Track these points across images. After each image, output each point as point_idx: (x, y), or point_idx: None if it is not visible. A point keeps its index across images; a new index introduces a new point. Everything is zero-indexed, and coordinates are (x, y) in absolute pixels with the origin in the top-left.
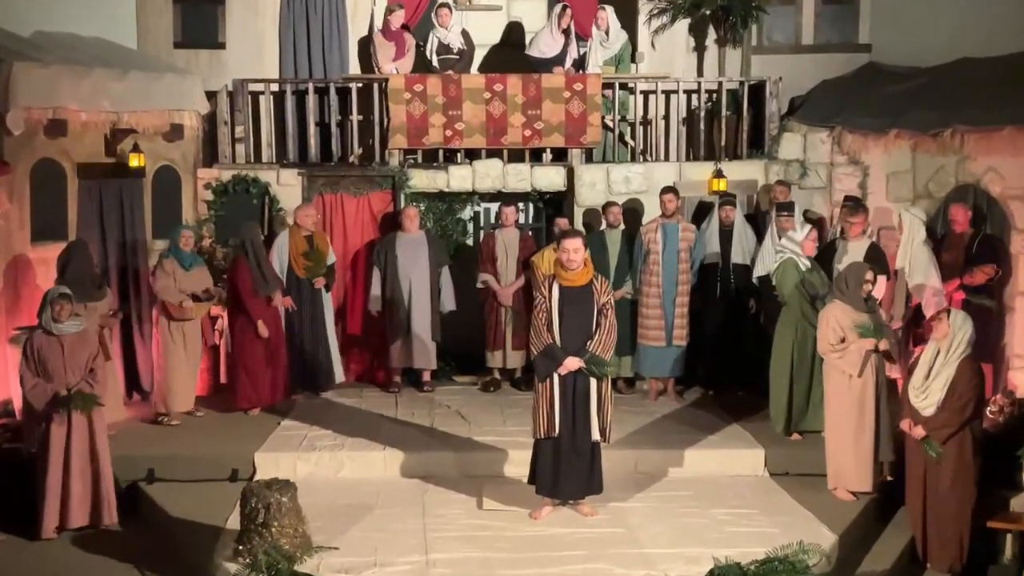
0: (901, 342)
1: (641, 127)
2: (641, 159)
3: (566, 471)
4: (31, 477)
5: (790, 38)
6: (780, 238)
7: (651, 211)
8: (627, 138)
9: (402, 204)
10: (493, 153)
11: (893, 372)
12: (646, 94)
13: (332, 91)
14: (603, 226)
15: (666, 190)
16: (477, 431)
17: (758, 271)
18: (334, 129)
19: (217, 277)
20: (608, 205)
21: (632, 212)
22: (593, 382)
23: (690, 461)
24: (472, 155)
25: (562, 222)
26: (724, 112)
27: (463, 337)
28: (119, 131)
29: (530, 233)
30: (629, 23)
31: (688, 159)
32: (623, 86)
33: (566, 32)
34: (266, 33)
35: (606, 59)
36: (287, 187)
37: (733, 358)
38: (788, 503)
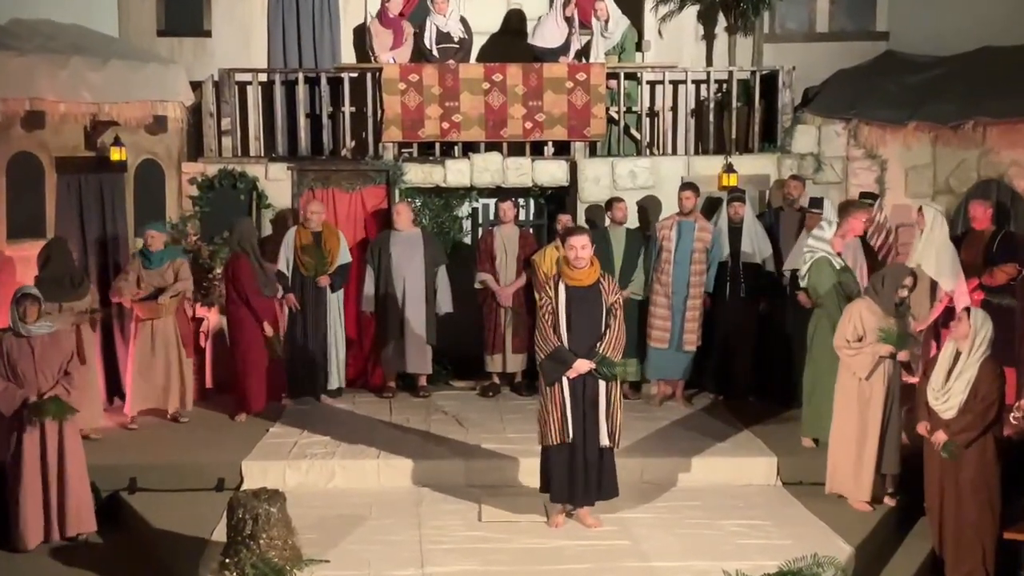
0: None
1: (647, 119)
2: (647, 153)
3: (580, 477)
4: (2, 488)
5: (804, 25)
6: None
7: (656, 207)
8: (633, 131)
9: (396, 200)
10: (492, 146)
11: (911, 379)
12: (653, 84)
13: (323, 81)
14: (607, 223)
15: (685, 186)
16: (476, 438)
17: (789, 265)
18: (325, 121)
19: (203, 275)
20: (614, 201)
21: (642, 209)
22: (602, 385)
23: (699, 469)
24: (470, 148)
25: (564, 219)
26: (735, 103)
27: (461, 340)
28: (99, 123)
29: (531, 230)
30: (635, 10)
31: (697, 153)
32: (629, 76)
33: (569, 20)
34: (254, 20)
35: (607, 50)
36: (276, 182)
37: (744, 361)
38: (802, 514)
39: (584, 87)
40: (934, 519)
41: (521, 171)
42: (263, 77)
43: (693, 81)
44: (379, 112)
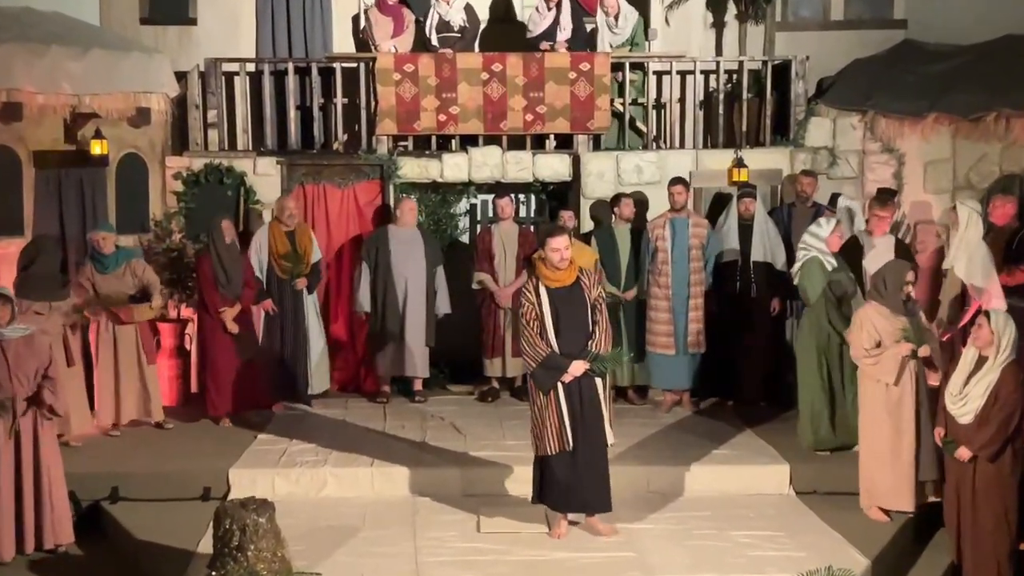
0: (949, 347)
1: (654, 111)
2: (654, 146)
3: (580, 483)
4: None
5: (818, 13)
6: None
7: (663, 204)
8: (639, 123)
9: (391, 195)
10: (491, 140)
11: (934, 380)
12: (660, 75)
13: (314, 71)
14: (612, 220)
15: (675, 181)
16: (474, 445)
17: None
18: (316, 113)
19: (188, 276)
20: (619, 197)
21: (639, 205)
22: (598, 382)
23: (708, 478)
24: (468, 142)
25: (567, 215)
26: (745, 95)
27: (458, 343)
28: (80, 115)
29: (531, 227)
30: None
31: (706, 146)
32: (634, 66)
33: (559, 6)
34: (242, 8)
35: (617, 45)
36: (264, 177)
37: (754, 364)
38: (816, 524)
39: (588, 78)
40: (952, 530)
41: (521, 166)
42: (251, 67)
43: (702, 71)
44: (373, 104)
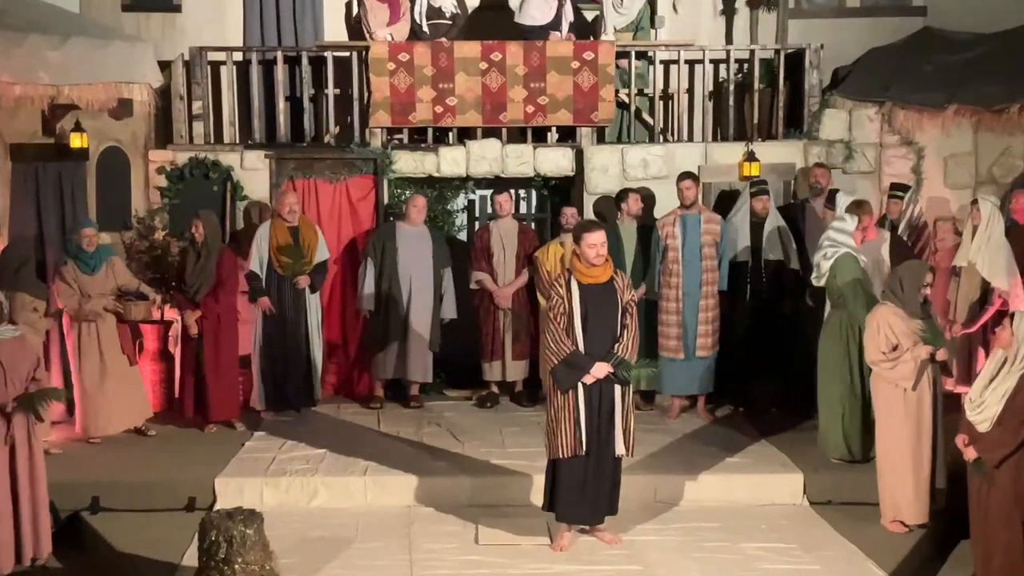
0: (965, 350)
1: (661, 102)
2: (661, 139)
3: (591, 493)
4: None
5: (833, 0)
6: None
7: (669, 200)
8: (645, 115)
9: (385, 190)
10: (490, 132)
11: (949, 384)
12: (667, 64)
13: (304, 61)
14: (618, 217)
15: (684, 176)
16: (472, 452)
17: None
18: (307, 105)
19: (172, 274)
20: (626, 192)
21: (647, 200)
22: (617, 390)
23: (717, 487)
24: (466, 135)
25: (570, 211)
26: (757, 85)
27: (456, 345)
28: (59, 107)
29: (532, 224)
30: None
31: (715, 139)
32: (640, 55)
33: None
34: None
35: (621, 27)
36: (252, 171)
37: (767, 369)
38: (831, 536)
39: (591, 67)
40: (977, 544)
41: (522, 160)
42: (238, 56)
43: (711, 60)
44: (366, 95)
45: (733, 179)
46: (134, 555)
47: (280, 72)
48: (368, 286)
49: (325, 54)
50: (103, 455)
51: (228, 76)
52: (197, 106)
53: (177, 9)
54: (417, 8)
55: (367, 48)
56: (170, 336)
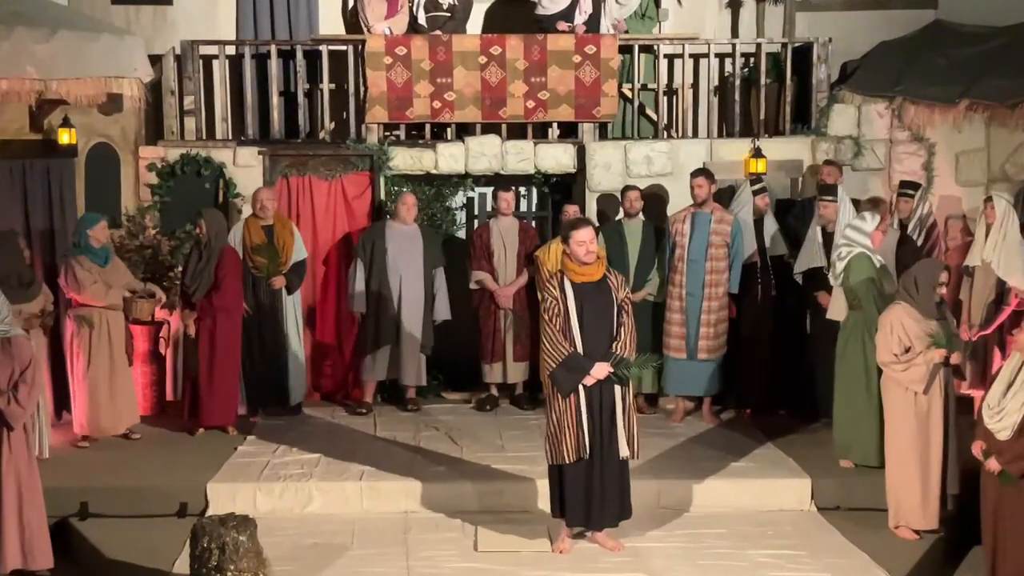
0: (981, 351)
1: (665, 97)
2: (665, 135)
3: (598, 496)
4: None
5: None
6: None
7: (678, 197)
8: (649, 111)
9: (381, 188)
10: (489, 128)
11: (963, 388)
12: (671, 58)
13: (299, 55)
14: (620, 215)
15: (696, 173)
16: (471, 457)
17: (801, 266)
18: (301, 100)
19: (163, 274)
20: (627, 190)
21: (656, 198)
22: (618, 391)
23: (723, 493)
24: (464, 130)
25: (572, 210)
26: (763, 80)
27: (454, 347)
28: (46, 102)
29: (533, 222)
30: None
31: (721, 135)
32: (644, 49)
33: None
34: None
35: (623, 19)
36: (245, 168)
37: (773, 371)
38: (839, 543)
39: (594, 61)
40: (989, 551)
41: (522, 156)
42: (231, 50)
43: (717, 55)
44: (362, 90)
45: (739, 176)
46: (124, 562)
47: (274, 66)
48: (358, 287)
49: (320, 48)
50: (92, 460)
51: (220, 70)
52: (189, 101)
53: (168, 2)
54: (415, 0)
55: (363, 42)
56: (161, 338)
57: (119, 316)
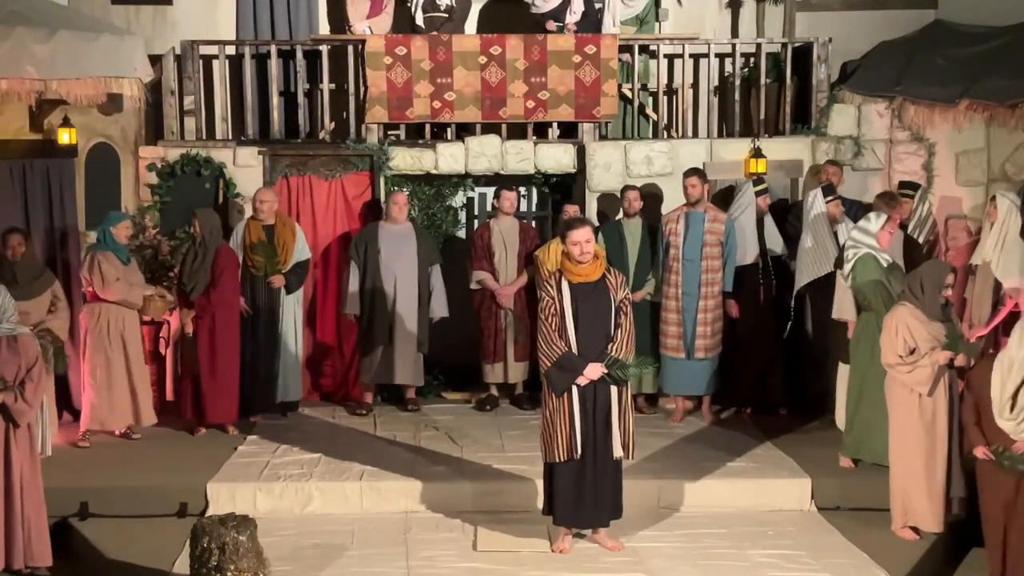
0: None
1: (665, 97)
2: (665, 135)
3: (590, 496)
4: None
5: None
6: (833, 228)
7: (677, 197)
8: (649, 111)
9: (381, 188)
10: (489, 128)
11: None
12: (671, 58)
13: (299, 55)
14: (620, 215)
15: (689, 172)
16: (471, 457)
17: (806, 278)
18: (301, 100)
19: (163, 274)
20: (626, 190)
21: (653, 198)
22: (614, 391)
23: (723, 493)
24: (464, 130)
25: (571, 209)
26: (763, 80)
27: (454, 347)
28: (46, 102)
29: (533, 222)
30: None
31: (720, 135)
32: (644, 49)
33: None
34: None
35: (625, 19)
36: (245, 168)
37: (775, 370)
38: (840, 543)
39: (594, 61)
40: (995, 552)
41: (522, 156)
42: (231, 50)
43: (716, 55)
44: (362, 90)
45: (739, 176)
46: (124, 562)
47: (274, 66)
48: (352, 289)
49: (320, 48)
50: (92, 459)
51: (220, 70)
52: (189, 101)
53: (168, 2)
54: (413, 0)
55: (363, 42)
56: (161, 337)
57: (134, 315)
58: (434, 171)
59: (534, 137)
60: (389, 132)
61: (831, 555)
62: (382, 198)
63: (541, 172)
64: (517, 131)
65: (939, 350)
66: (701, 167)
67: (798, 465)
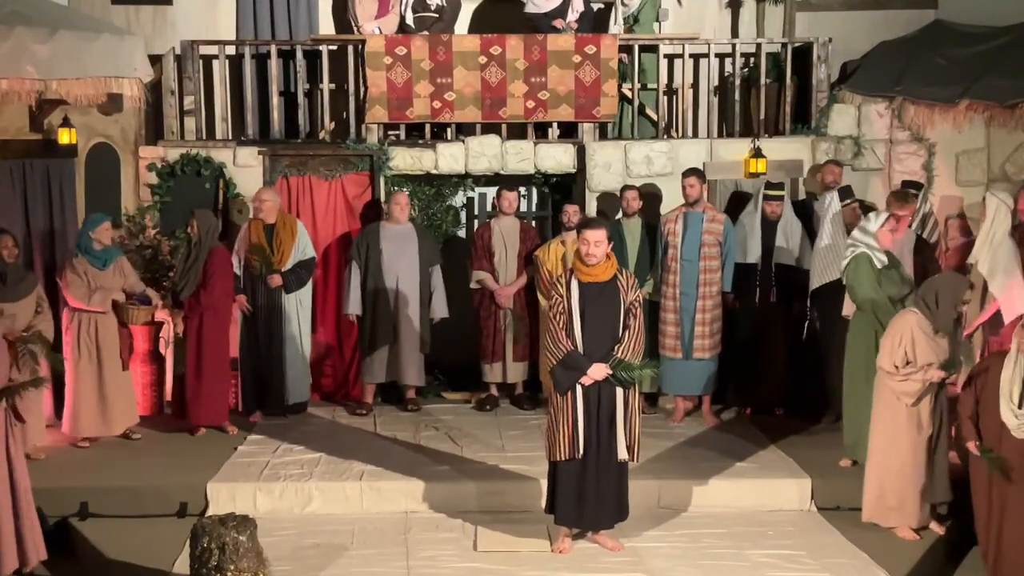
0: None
1: (665, 97)
2: (665, 135)
3: (592, 497)
4: None
5: None
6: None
7: (675, 197)
8: (649, 111)
9: (381, 188)
10: (489, 128)
11: (957, 389)
12: (671, 58)
13: (299, 55)
14: (619, 214)
15: (688, 172)
16: (471, 456)
17: (817, 281)
18: (301, 100)
19: (162, 274)
20: (625, 189)
21: (652, 198)
22: (620, 392)
23: (723, 493)
24: (464, 130)
25: (572, 209)
26: (763, 80)
27: (454, 347)
28: (46, 102)
29: (533, 222)
30: None
31: (720, 135)
32: (644, 49)
33: None
34: None
35: (623, 17)
36: (245, 168)
37: (775, 371)
38: (840, 543)
39: (594, 61)
40: (989, 552)
41: (522, 156)
42: (231, 50)
43: (717, 54)
44: (362, 90)
45: (739, 176)
46: (124, 562)
47: (274, 66)
48: (353, 290)
49: (320, 48)
50: (92, 460)
51: (220, 70)
52: (188, 101)
53: (168, 2)
54: (403, 0)
55: (363, 42)
56: (161, 338)
57: (109, 320)
58: (434, 171)
59: (534, 137)
60: (389, 132)
61: (831, 555)
62: (382, 198)
63: (541, 172)
64: (517, 131)
65: (934, 368)
66: (700, 167)
67: (798, 465)
